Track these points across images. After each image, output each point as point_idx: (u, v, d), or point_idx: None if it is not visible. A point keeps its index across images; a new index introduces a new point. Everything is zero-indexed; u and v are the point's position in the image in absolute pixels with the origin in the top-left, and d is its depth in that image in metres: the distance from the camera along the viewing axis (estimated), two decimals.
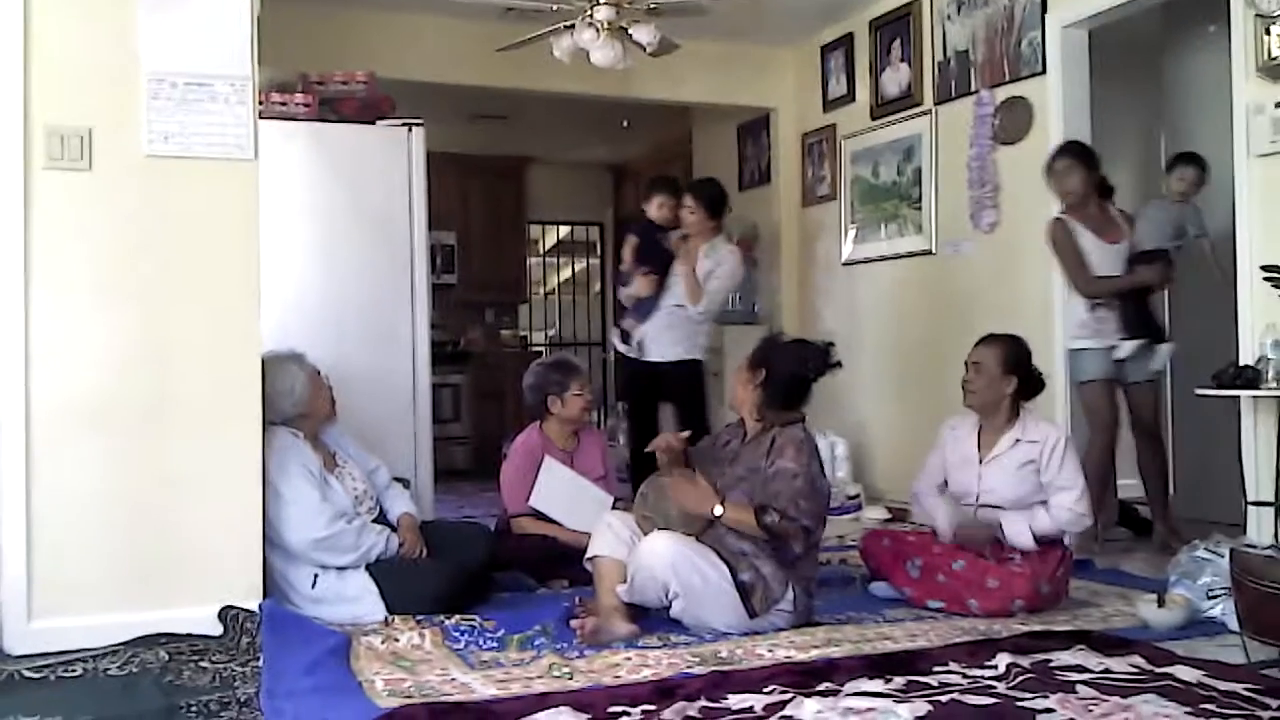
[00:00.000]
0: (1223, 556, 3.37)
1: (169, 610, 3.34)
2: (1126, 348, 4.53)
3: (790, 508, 3.28)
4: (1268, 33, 4.07)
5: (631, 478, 4.83)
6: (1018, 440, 3.73)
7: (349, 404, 4.06)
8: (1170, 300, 5.78)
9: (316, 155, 4.72)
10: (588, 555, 3.46)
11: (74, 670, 3.00)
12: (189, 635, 3.28)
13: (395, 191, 4.84)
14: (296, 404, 3.70)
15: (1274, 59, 4.05)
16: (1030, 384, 3.79)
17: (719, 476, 3.46)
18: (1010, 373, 3.74)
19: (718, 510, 3.31)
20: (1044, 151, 4.89)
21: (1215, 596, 3.37)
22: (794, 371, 3.50)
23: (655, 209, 5.25)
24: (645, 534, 3.36)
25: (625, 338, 5.29)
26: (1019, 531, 3.61)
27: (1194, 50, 5.52)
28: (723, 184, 5.58)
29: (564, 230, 10.81)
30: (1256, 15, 4.11)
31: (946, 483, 3.89)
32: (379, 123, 4.86)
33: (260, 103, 3.69)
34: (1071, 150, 4.71)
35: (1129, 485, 5.08)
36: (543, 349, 10.02)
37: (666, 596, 3.25)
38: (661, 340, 5.18)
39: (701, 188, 5.42)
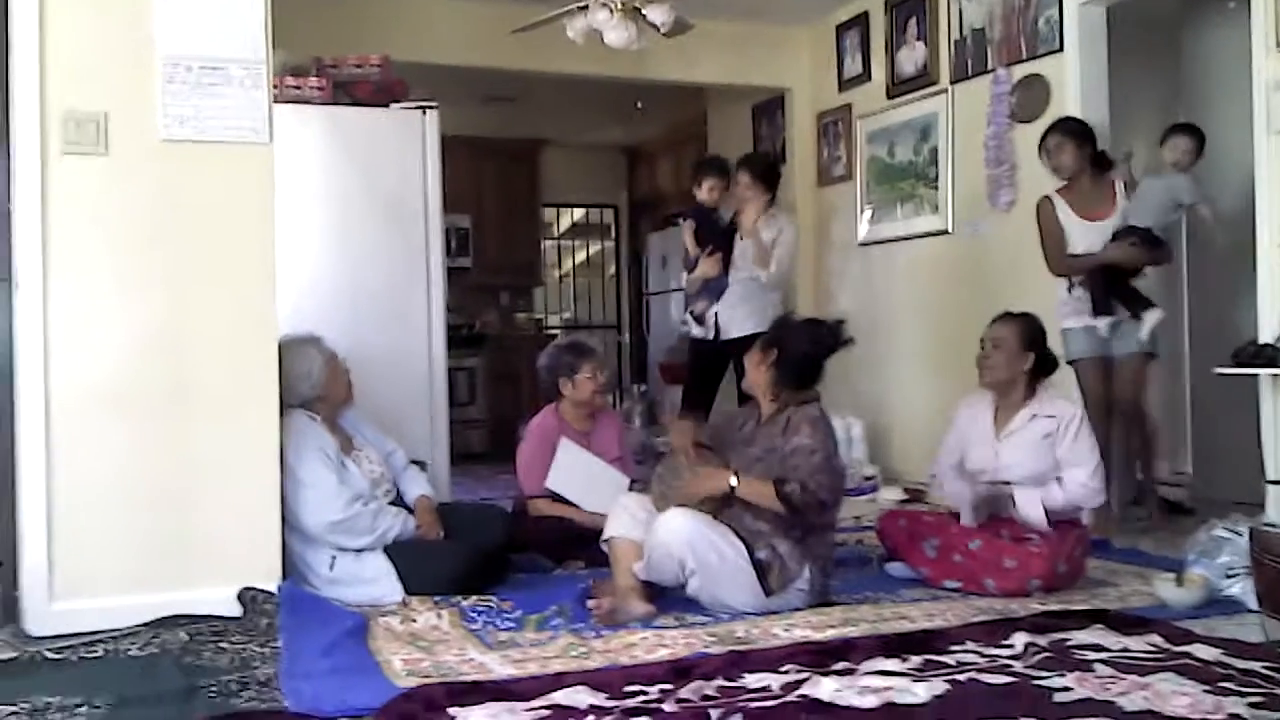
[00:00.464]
0: (1241, 535, 3.36)
1: (189, 592, 3.37)
2: (1102, 325, 4.50)
3: (810, 480, 3.29)
4: None
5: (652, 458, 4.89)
6: (1034, 415, 3.73)
7: (365, 387, 4.07)
8: (1188, 276, 5.76)
9: (331, 139, 4.72)
10: (604, 536, 3.47)
11: (95, 651, 3.02)
12: (208, 616, 3.31)
13: (410, 175, 4.83)
14: (314, 387, 3.72)
15: None
16: (1046, 362, 3.80)
17: (737, 456, 3.46)
18: (1027, 349, 3.74)
19: (732, 481, 3.31)
20: None
21: (1234, 575, 3.35)
22: (806, 351, 3.51)
23: (706, 192, 5.40)
24: (661, 513, 3.36)
25: (700, 320, 5.36)
26: (1030, 504, 3.60)
27: (1213, 26, 5.46)
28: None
29: (578, 213, 10.79)
30: None
31: (964, 463, 3.89)
32: (393, 106, 4.86)
33: (275, 86, 3.71)
34: (1063, 127, 4.70)
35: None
36: (558, 332, 10.02)
37: (683, 573, 3.26)
38: (737, 315, 5.29)
39: (754, 161, 5.60)
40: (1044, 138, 4.73)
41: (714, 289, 5.35)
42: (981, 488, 3.72)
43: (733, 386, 5.42)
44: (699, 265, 5.35)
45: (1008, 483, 3.69)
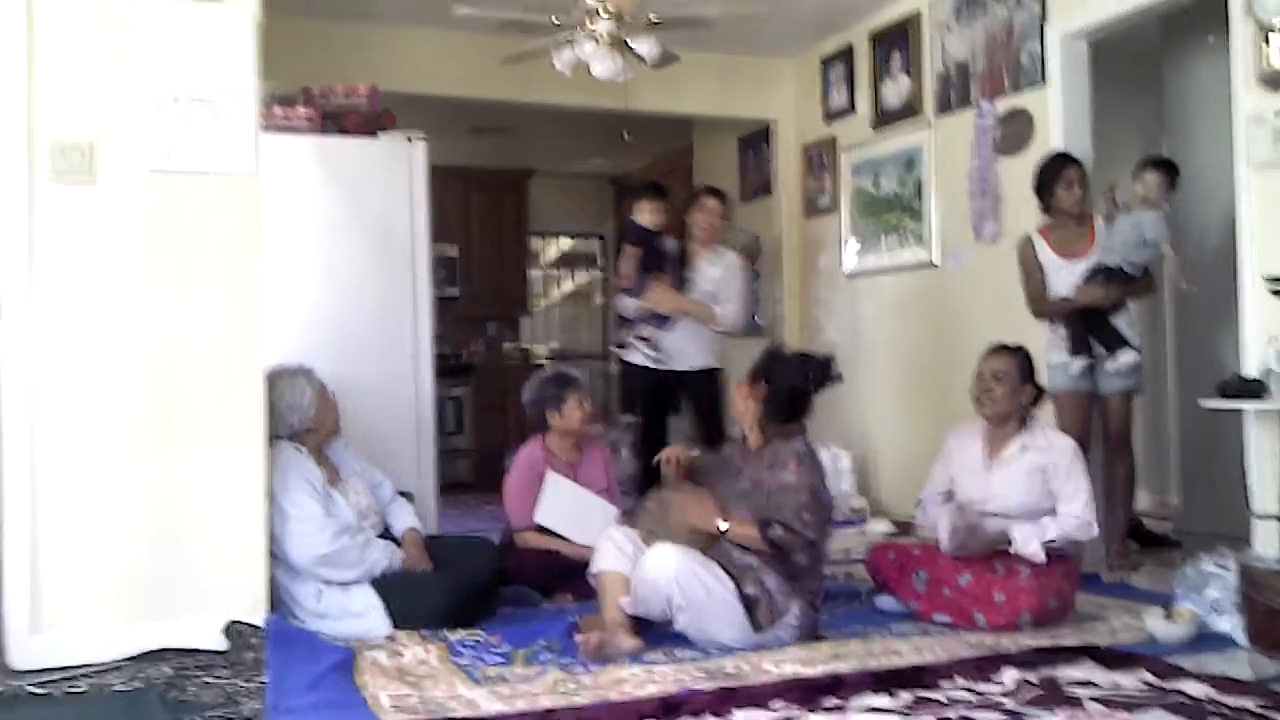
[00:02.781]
0: (1228, 570, 3.36)
1: (174, 625, 3.34)
2: (1075, 365, 4.52)
3: (794, 521, 3.28)
4: (1267, 43, 4.07)
5: (638, 490, 4.81)
6: (1025, 446, 3.74)
7: (353, 416, 4.05)
8: (1173, 309, 5.79)
9: (319, 169, 4.72)
10: (591, 570, 3.45)
11: (78, 686, 2.99)
12: (194, 650, 3.28)
13: (397, 205, 4.84)
14: (305, 419, 3.70)
15: (1274, 69, 4.05)
16: (1039, 393, 3.83)
17: (725, 489, 3.46)
18: (1027, 380, 3.78)
19: (722, 526, 3.31)
20: None
21: (1222, 610, 3.35)
22: (795, 384, 3.51)
23: (648, 215, 5.18)
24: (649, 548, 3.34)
25: (655, 347, 5.14)
26: (1028, 541, 3.59)
27: (1194, 60, 5.52)
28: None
29: (566, 243, 10.81)
30: (1256, 25, 4.11)
31: (952, 493, 3.89)
32: (381, 136, 4.87)
33: (263, 116, 3.70)
34: (1076, 160, 4.70)
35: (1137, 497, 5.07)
36: (545, 361, 10.01)
37: (670, 608, 3.24)
38: (688, 348, 5.14)
39: (717, 191, 5.44)
40: (1062, 168, 4.64)
41: (662, 317, 5.13)
42: (971, 517, 3.72)
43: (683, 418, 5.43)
44: (650, 293, 5.10)
45: (998, 513, 3.68)
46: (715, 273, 5.20)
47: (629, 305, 5.27)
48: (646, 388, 5.26)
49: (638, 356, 5.21)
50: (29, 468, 3.26)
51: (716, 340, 5.21)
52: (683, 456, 3.61)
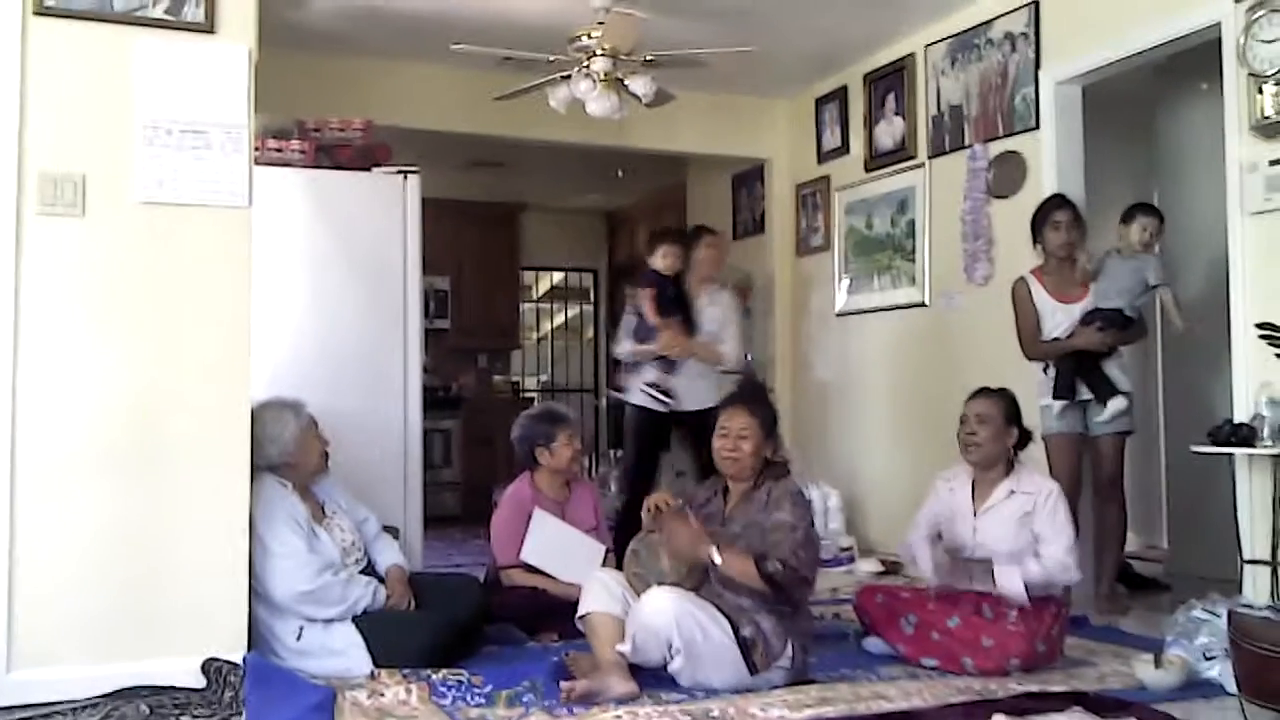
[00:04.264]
0: (1219, 616, 3.34)
1: (151, 662, 3.29)
2: (1057, 407, 4.53)
3: (791, 558, 3.25)
4: (1260, 91, 4.09)
5: (622, 526, 4.79)
6: (1012, 491, 3.71)
7: (340, 448, 4.01)
8: (1164, 354, 5.80)
9: (312, 202, 4.72)
10: (579, 614, 3.40)
11: None
12: (171, 688, 3.22)
13: (389, 238, 4.83)
14: (283, 453, 3.66)
15: (1267, 118, 4.08)
16: (1024, 436, 3.80)
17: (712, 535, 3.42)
18: (1012, 424, 3.75)
19: (715, 556, 3.27)
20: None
21: (1212, 657, 3.33)
22: (774, 410, 3.54)
23: (662, 259, 5.20)
24: (636, 592, 3.31)
25: (668, 394, 5.13)
26: (1011, 581, 3.57)
27: (1187, 108, 5.56)
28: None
29: (557, 276, 10.82)
30: (1249, 74, 4.14)
31: (940, 535, 3.86)
32: (375, 170, 4.86)
33: (256, 149, 3.71)
34: (1069, 203, 4.73)
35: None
36: (535, 395, 9.99)
37: (669, 652, 3.19)
38: (698, 387, 5.14)
39: (713, 230, 5.54)
40: (1052, 212, 4.70)
41: (670, 361, 5.16)
42: (949, 556, 3.69)
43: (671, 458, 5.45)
44: (660, 337, 5.12)
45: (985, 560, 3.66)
46: (716, 312, 5.27)
47: (632, 350, 5.26)
48: (646, 427, 5.26)
49: (642, 399, 5.21)
50: (7, 500, 3.21)
51: (720, 379, 5.22)
52: (667, 504, 3.56)
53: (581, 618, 3.39)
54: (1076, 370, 4.54)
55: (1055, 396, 4.53)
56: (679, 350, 5.12)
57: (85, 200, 3.33)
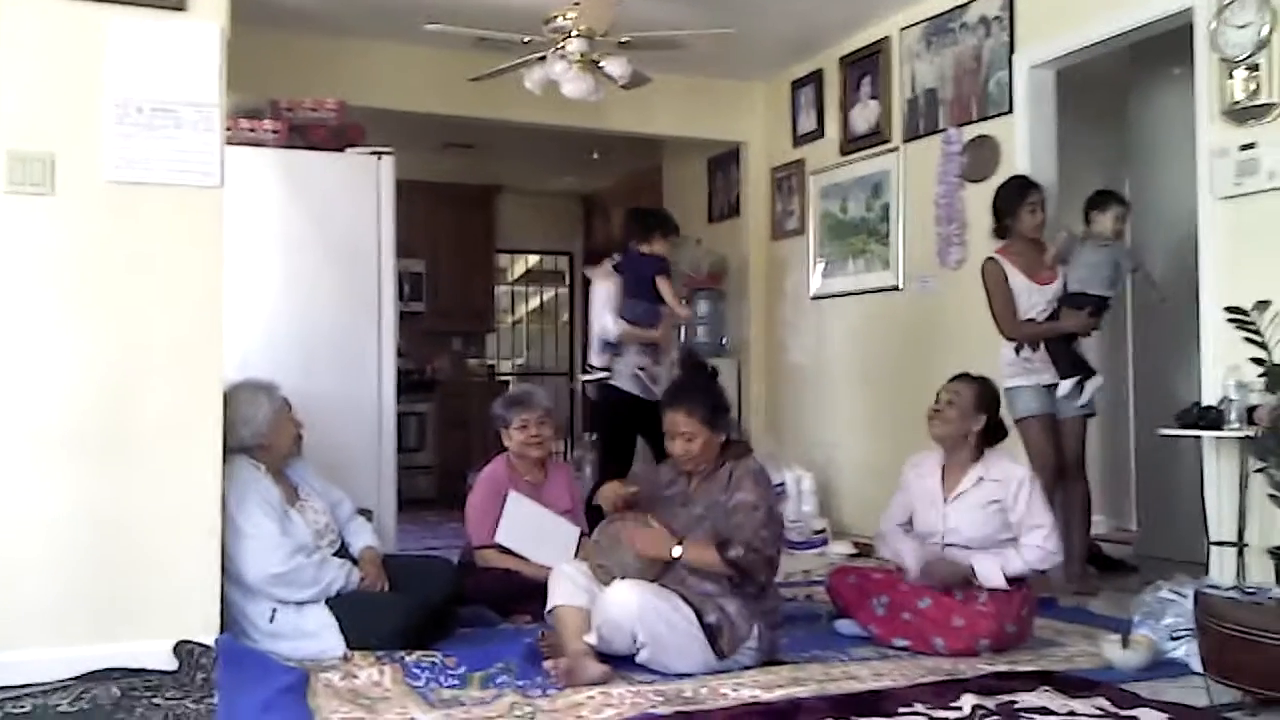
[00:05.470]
0: (1185, 597, 3.38)
1: (123, 644, 3.28)
2: (1065, 386, 4.57)
3: (754, 539, 3.27)
4: (1231, 76, 4.12)
5: (589, 514, 4.80)
6: (981, 478, 3.73)
7: (313, 431, 4.00)
8: (1134, 337, 5.85)
9: (285, 182, 4.68)
10: (548, 608, 3.40)
11: (23, 706, 2.93)
12: (142, 670, 3.21)
13: (363, 219, 4.80)
14: (255, 434, 3.64)
15: (1237, 102, 4.11)
16: (996, 429, 3.82)
17: (673, 519, 3.43)
18: (980, 411, 3.76)
19: (676, 551, 3.29)
20: None
21: (1179, 637, 3.37)
22: (724, 400, 3.54)
23: (660, 246, 5.39)
24: (601, 583, 3.32)
25: (649, 378, 5.26)
26: (991, 573, 3.59)
27: (1159, 92, 5.59)
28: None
29: (533, 259, 10.79)
30: (1220, 59, 4.16)
31: (912, 521, 3.88)
32: (348, 150, 4.83)
33: (229, 128, 3.68)
34: (1038, 185, 4.77)
35: (1096, 522, 5.11)
36: (510, 378, 9.98)
37: (634, 644, 3.20)
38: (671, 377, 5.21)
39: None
40: (1027, 192, 4.74)
41: (656, 348, 5.33)
42: (933, 551, 3.71)
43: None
44: (665, 326, 5.33)
45: (962, 546, 3.68)
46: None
47: (622, 332, 5.32)
48: (626, 412, 5.33)
49: (633, 385, 5.30)
50: None
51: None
52: (621, 493, 3.56)
53: (549, 611, 3.40)
54: (1067, 350, 4.60)
55: (1063, 376, 4.57)
56: (668, 338, 5.30)
57: (54, 179, 3.30)
